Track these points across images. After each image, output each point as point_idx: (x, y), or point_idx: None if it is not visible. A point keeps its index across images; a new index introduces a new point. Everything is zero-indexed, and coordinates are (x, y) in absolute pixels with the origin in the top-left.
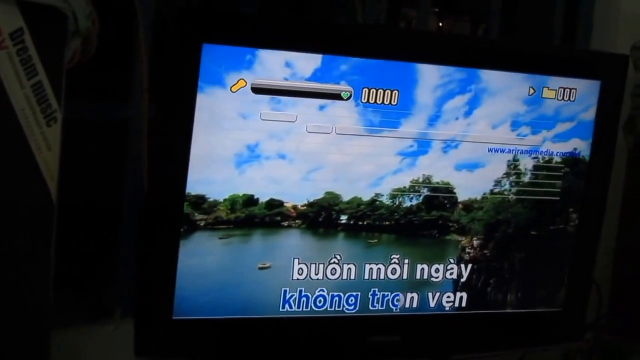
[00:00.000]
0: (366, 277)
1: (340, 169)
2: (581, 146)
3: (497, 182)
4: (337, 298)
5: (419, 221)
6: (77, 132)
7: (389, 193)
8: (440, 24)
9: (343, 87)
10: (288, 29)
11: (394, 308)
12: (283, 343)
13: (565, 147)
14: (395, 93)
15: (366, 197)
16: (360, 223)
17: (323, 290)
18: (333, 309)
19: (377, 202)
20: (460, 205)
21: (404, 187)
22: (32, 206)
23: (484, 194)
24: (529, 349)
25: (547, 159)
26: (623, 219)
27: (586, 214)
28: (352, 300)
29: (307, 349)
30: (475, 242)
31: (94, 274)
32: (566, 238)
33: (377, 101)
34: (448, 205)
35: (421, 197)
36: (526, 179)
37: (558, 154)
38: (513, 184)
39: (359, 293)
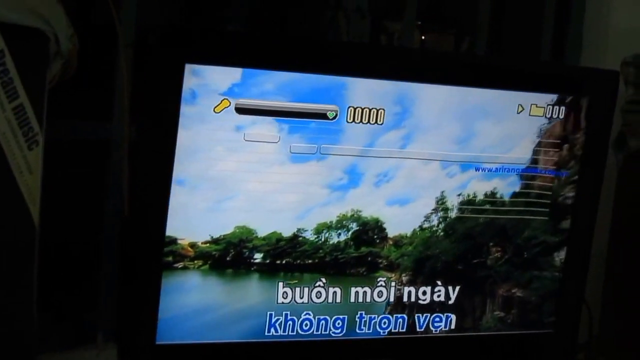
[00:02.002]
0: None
1: (257, 198)
2: (501, 185)
3: (427, 218)
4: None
5: (346, 258)
6: (58, 152)
7: (313, 228)
8: (423, 37)
9: (329, 107)
10: (272, 48)
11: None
12: None
13: (488, 186)
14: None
15: (287, 232)
16: (278, 262)
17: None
18: None
19: (300, 238)
20: (390, 241)
21: (331, 222)
22: (13, 230)
23: (414, 229)
24: None
25: (471, 196)
26: (613, 238)
27: (576, 233)
28: None
29: None
30: (404, 279)
31: (75, 299)
32: (488, 269)
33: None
34: (378, 241)
35: (350, 233)
36: (453, 214)
37: (482, 192)
38: (441, 219)
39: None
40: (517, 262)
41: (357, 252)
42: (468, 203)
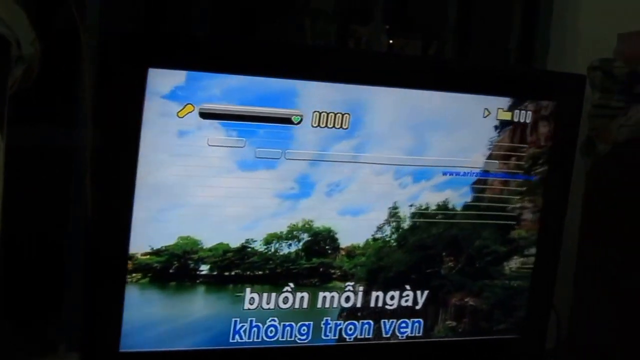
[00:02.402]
0: (233, 339)
1: (203, 208)
2: (452, 196)
3: (379, 228)
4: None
5: (298, 270)
6: (20, 158)
7: (263, 238)
8: (391, 42)
9: (294, 112)
10: (236, 52)
11: None
12: None
13: (439, 197)
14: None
15: (235, 242)
16: (226, 274)
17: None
18: None
19: (249, 249)
20: (342, 252)
21: (281, 233)
22: None
23: (367, 239)
24: None
25: (424, 207)
26: (582, 242)
27: (544, 238)
28: None
29: None
30: (359, 289)
31: (38, 308)
32: (441, 279)
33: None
34: (330, 252)
35: (301, 243)
36: (406, 225)
37: (434, 203)
38: (394, 230)
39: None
40: (469, 271)
41: (308, 263)
42: (420, 214)
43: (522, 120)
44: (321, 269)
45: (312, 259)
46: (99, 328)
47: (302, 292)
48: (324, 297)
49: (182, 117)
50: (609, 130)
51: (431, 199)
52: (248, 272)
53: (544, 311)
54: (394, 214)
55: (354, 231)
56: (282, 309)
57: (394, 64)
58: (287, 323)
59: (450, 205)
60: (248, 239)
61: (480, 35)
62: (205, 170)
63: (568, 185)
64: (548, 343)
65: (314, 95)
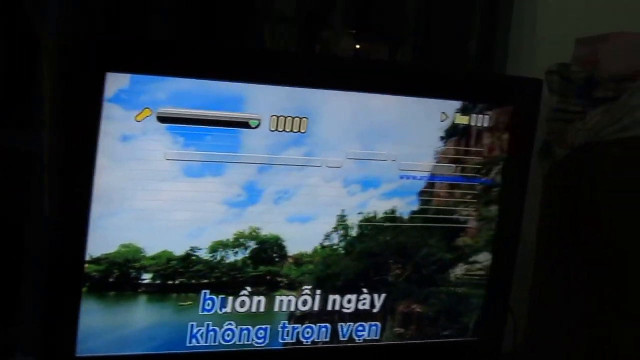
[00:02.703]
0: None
1: (146, 215)
2: (400, 205)
3: (327, 236)
4: None
5: (245, 278)
6: None
7: (208, 246)
8: (359, 47)
9: (252, 116)
10: (195, 56)
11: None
12: None
13: (387, 205)
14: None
15: (179, 251)
16: (170, 283)
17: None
18: None
19: (194, 257)
20: (290, 260)
21: (227, 240)
22: None
23: (315, 247)
24: None
25: (372, 215)
26: (540, 245)
27: (501, 241)
28: None
29: None
30: (306, 297)
31: None
32: (389, 286)
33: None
34: (278, 260)
35: (248, 251)
36: (354, 233)
37: (382, 211)
38: (342, 237)
39: None
40: (416, 279)
41: (255, 271)
42: (368, 222)
43: (479, 125)
44: (268, 278)
45: (260, 268)
46: (56, 333)
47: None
48: (281, 301)
49: (140, 122)
50: (567, 135)
51: (379, 206)
52: (193, 281)
53: (501, 314)
54: (342, 221)
55: (302, 239)
56: (239, 313)
57: (351, 68)
58: (244, 327)
59: (398, 213)
60: (193, 247)
61: (441, 40)
62: (149, 176)
63: (525, 188)
64: (505, 346)
65: (271, 100)
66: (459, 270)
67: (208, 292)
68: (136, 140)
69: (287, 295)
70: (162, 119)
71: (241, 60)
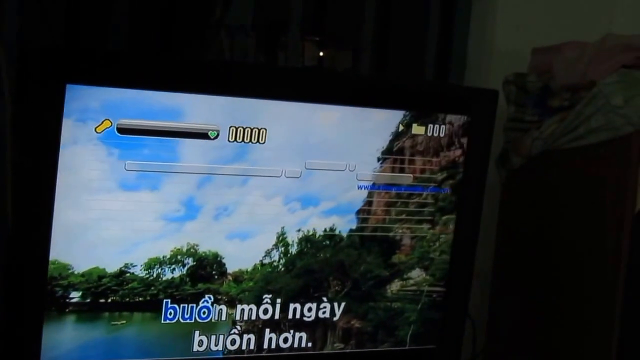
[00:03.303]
0: None
1: (74, 229)
2: (339, 222)
3: (267, 253)
4: None
5: (182, 295)
6: None
7: (144, 263)
8: (322, 54)
9: (210, 126)
10: (154, 67)
11: None
12: None
13: (326, 223)
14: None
15: (112, 267)
16: (102, 301)
17: None
18: None
19: (128, 274)
20: (230, 277)
21: (164, 257)
22: None
23: (255, 264)
24: None
25: (311, 232)
26: (498, 252)
27: (459, 247)
28: None
29: None
30: (247, 308)
31: None
32: (328, 302)
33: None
34: (217, 277)
35: (185, 268)
36: (294, 250)
37: (321, 229)
38: (282, 254)
39: None
40: (355, 295)
41: (194, 288)
42: (307, 239)
43: (436, 134)
44: (207, 295)
45: (198, 285)
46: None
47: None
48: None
49: (99, 133)
50: (523, 144)
51: (318, 224)
52: (127, 299)
53: (459, 321)
54: (282, 238)
55: (242, 256)
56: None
57: (307, 79)
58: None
59: (337, 231)
60: (127, 263)
61: (398, 49)
62: (80, 189)
63: (482, 195)
64: (464, 353)
65: (230, 110)
66: (394, 286)
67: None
68: (71, 151)
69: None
70: (122, 130)
71: (198, 71)
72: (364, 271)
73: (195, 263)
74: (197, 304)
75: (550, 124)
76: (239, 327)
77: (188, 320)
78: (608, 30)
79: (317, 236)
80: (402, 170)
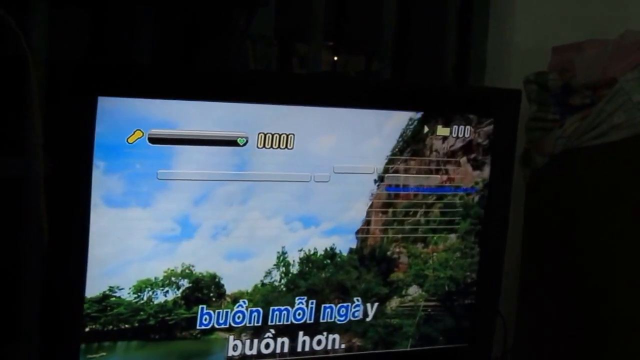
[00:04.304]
0: None
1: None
2: (339, 242)
3: (268, 273)
4: None
5: (176, 320)
6: None
7: (132, 285)
8: (336, 58)
9: (239, 134)
10: (182, 78)
11: None
12: None
13: (327, 242)
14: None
15: (94, 291)
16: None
17: None
18: None
19: (113, 299)
20: (228, 299)
21: (156, 279)
22: None
23: (255, 284)
24: None
25: (312, 252)
26: (525, 251)
27: (488, 247)
28: None
29: None
30: (244, 338)
31: None
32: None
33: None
34: (214, 299)
35: (180, 291)
36: (295, 270)
37: (322, 248)
38: (283, 274)
39: None
40: (356, 312)
41: (188, 312)
42: (308, 259)
43: (460, 136)
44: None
45: (193, 308)
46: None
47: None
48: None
49: (131, 143)
50: (546, 143)
51: (319, 244)
52: (110, 327)
53: (490, 319)
54: (282, 258)
55: (241, 276)
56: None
57: (330, 85)
58: None
59: (337, 250)
60: (112, 287)
61: (417, 51)
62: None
63: (508, 195)
64: (495, 351)
65: (257, 118)
66: (394, 303)
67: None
68: None
69: (222, 339)
70: (153, 140)
71: (225, 80)
72: (364, 289)
73: (190, 284)
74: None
75: (572, 122)
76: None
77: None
78: (626, 27)
79: (318, 255)
80: (429, 172)
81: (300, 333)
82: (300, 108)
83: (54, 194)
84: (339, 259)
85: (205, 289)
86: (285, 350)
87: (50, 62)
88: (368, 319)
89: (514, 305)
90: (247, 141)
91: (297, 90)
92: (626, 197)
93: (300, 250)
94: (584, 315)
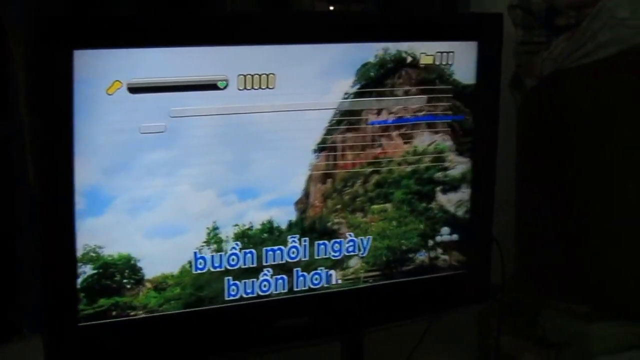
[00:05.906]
0: None
1: None
2: (278, 214)
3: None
4: None
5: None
6: None
7: None
8: (332, 8)
9: (219, 77)
10: (158, 25)
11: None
12: (191, 337)
13: (265, 216)
14: None
15: None
16: None
17: None
18: None
19: None
20: (148, 285)
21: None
22: None
23: (183, 266)
24: (437, 314)
25: (247, 227)
26: (519, 175)
27: (478, 173)
28: None
29: (215, 340)
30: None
31: None
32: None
33: None
34: (129, 287)
35: (81, 280)
36: (228, 247)
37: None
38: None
39: None
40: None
41: (92, 307)
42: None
43: (444, 63)
44: (114, 313)
45: (99, 300)
46: (56, 306)
47: None
48: None
49: (111, 94)
50: (534, 65)
51: (256, 217)
52: None
53: (486, 246)
54: (214, 235)
55: (165, 257)
56: None
57: (317, 21)
58: None
59: (275, 224)
60: None
61: None
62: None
63: (496, 120)
64: (494, 279)
65: (236, 60)
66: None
67: None
68: None
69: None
70: (133, 89)
71: (202, 24)
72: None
73: (96, 271)
74: None
75: (558, 43)
76: None
77: None
78: None
79: (254, 230)
80: (416, 101)
81: None
82: (279, 47)
83: (39, 152)
84: (278, 233)
85: (117, 275)
86: None
87: (27, 18)
88: None
89: (511, 232)
90: (227, 84)
91: (274, 29)
92: (615, 112)
93: (236, 225)
94: (583, 235)
